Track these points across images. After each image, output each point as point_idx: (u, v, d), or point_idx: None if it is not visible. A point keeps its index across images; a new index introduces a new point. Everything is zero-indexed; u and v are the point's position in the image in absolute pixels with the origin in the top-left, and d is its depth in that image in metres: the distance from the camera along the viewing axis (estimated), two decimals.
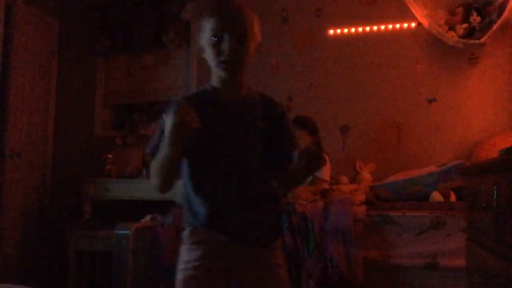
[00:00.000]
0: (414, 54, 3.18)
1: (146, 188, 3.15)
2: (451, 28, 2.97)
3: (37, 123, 3.60)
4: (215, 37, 1.18)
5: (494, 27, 2.80)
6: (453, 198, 2.52)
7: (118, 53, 3.83)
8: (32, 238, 3.43)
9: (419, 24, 3.10)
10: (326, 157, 2.89)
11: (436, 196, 2.51)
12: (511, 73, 2.98)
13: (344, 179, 3.07)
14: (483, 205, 1.46)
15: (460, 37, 2.94)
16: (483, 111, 3.02)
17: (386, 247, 2.38)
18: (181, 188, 1.26)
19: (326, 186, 2.85)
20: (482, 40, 2.85)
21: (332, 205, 2.41)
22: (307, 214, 2.37)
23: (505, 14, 2.77)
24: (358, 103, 3.27)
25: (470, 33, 2.93)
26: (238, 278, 1.18)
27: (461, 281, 2.09)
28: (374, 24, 3.26)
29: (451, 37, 2.95)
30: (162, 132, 1.13)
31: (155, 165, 1.17)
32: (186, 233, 1.23)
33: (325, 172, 2.88)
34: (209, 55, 1.21)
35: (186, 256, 1.19)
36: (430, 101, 3.13)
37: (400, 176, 2.75)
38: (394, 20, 3.22)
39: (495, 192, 1.31)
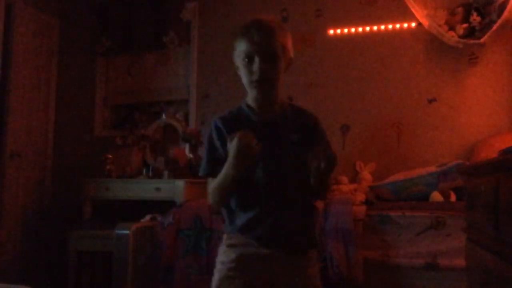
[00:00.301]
0: (414, 54, 3.18)
1: (146, 188, 3.15)
2: (451, 28, 2.97)
3: (37, 123, 3.60)
4: (246, 58, 1.23)
5: (494, 27, 2.80)
6: (453, 198, 2.51)
7: (118, 53, 3.83)
8: (32, 238, 3.43)
9: (419, 24, 3.10)
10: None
11: (436, 196, 2.51)
12: (511, 73, 2.98)
13: (344, 179, 3.07)
14: (483, 205, 1.46)
15: (460, 37, 2.93)
16: (483, 111, 3.02)
17: (386, 247, 2.38)
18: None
19: None
20: (482, 40, 2.85)
21: (332, 205, 2.41)
22: None
23: (505, 14, 2.77)
24: (358, 103, 3.27)
25: (470, 33, 2.93)
26: (271, 282, 1.22)
27: (461, 281, 2.08)
28: (374, 24, 3.26)
29: (451, 37, 2.95)
30: (211, 149, 1.26)
31: (215, 185, 1.23)
32: (224, 236, 1.30)
33: None
34: (242, 74, 1.28)
35: (222, 257, 1.26)
36: (430, 101, 3.13)
37: (400, 176, 2.75)
38: (394, 20, 3.22)
39: (495, 192, 1.31)
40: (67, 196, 3.60)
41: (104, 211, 3.38)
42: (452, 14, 3.00)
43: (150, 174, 3.28)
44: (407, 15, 3.11)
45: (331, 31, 3.36)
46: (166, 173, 3.19)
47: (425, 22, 3.01)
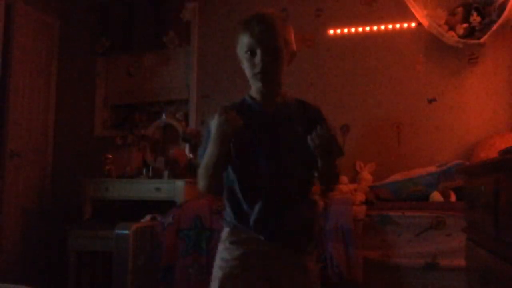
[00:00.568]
0: (414, 54, 3.18)
1: (146, 188, 3.16)
2: (451, 28, 2.97)
3: (37, 123, 3.60)
4: (249, 51, 1.25)
5: (494, 27, 2.80)
6: (453, 198, 2.52)
7: (118, 53, 3.83)
8: (32, 238, 3.43)
9: (419, 24, 3.10)
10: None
11: (436, 196, 2.51)
12: (511, 73, 2.98)
13: (344, 179, 3.07)
14: (483, 205, 1.46)
15: (460, 37, 2.93)
16: (483, 111, 3.02)
17: (386, 247, 2.38)
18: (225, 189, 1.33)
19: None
20: (482, 40, 2.85)
21: (332, 205, 2.41)
22: None
23: (505, 14, 2.77)
24: (358, 103, 3.27)
25: (470, 33, 2.93)
26: (273, 278, 1.24)
27: (461, 281, 2.09)
28: (374, 24, 3.26)
29: (451, 37, 2.95)
30: (208, 137, 1.24)
31: (201, 165, 1.25)
32: (226, 231, 1.29)
33: None
34: (245, 67, 1.29)
35: (224, 254, 1.25)
36: (430, 101, 3.13)
37: (400, 176, 2.75)
38: (394, 20, 3.22)
39: (495, 192, 1.31)
40: (67, 196, 3.60)
41: (104, 211, 3.38)
42: (452, 14, 3.00)
43: (150, 174, 3.28)
44: (407, 15, 3.11)
45: (331, 31, 3.36)
46: (166, 173, 3.19)
47: (425, 22, 3.01)
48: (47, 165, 3.70)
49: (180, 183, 3.03)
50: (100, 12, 3.85)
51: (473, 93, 3.05)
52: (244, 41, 1.26)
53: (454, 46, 2.98)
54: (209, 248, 2.43)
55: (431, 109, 3.12)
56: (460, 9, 2.98)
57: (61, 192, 3.68)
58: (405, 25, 3.20)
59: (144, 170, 3.33)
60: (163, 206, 2.90)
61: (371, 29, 3.27)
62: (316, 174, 1.30)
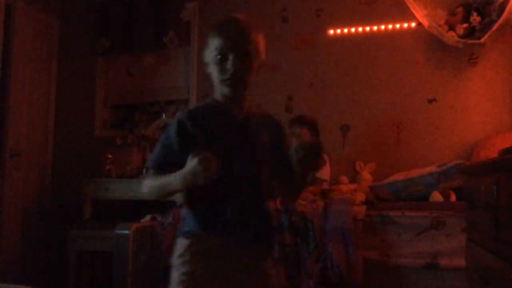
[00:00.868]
0: (414, 54, 3.18)
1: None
2: (451, 28, 2.97)
3: (37, 123, 3.60)
4: (219, 55, 1.21)
5: (494, 27, 2.80)
6: (453, 198, 2.51)
7: (118, 53, 3.83)
8: (32, 238, 3.43)
9: (419, 24, 3.10)
10: (326, 157, 2.90)
11: (436, 196, 2.51)
12: (511, 73, 2.98)
13: (344, 179, 3.07)
14: (483, 205, 1.46)
15: (460, 37, 2.93)
16: (483, 111, 3.02)
17: (386, 247, 2.38)
18: (184, 194, 1.27)
19: (326, 186, 2.86)
20: (482, 40, 2.85)
21: (332, 205, 2.41)
22: (307, 214, 2.37)
23: (505, 14, 2.77)
24: (358, 103, 3.27)
25: (470, 33, 2.92)
26: (236, 284, 1.22)
27: (461, 281, 2.09)
28: (374, 24, 3.26)
29: (451, 37, 2.95)
30: (165, 145, 1.22)
31: (157, 184, 1.21)
32: (184, 244, 1.22)
33: (325, 172, 2.88)
34: (213, 71, 1.26)
35: (186, 267, 1.19)
36: (430, 101, 3.13)
37: (400, 176, 2.75)
38: (394, 20, 3.22)
39: (495, 192, 1.31)
40: (67, 196, 3.60)
41: (104, 211, 3.38)
42: (452, 14, 3.00)
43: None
44: (407, 15, 3.11)
45: (331, 31, 3.36)
46: None
47: (425, 22, 3.01)
48: (47, 165, 3.71)
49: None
50: (100, 12, 3.85)
51: (473, 93, 3.05)
52: (215, 44, 1.22)
53: (454, 46, 2.98)
54: None
55: (431, 109, 3.12)
56: (460, 9, 2.98)
57: (61, 192, 3.68)
58: (405, 25, 3.20)
59: (144, 170, 3.33)
60: (163, 206, 2.90)
61: (371, 29, 3.27)
62: (278, 183, 1.34)
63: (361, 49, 3.28)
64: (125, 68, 3.86)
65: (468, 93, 3.06)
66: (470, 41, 2.90)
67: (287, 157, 1.20)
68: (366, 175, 3.05)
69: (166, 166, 1.20)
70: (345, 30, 3.33)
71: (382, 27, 3.24)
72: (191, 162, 1.08)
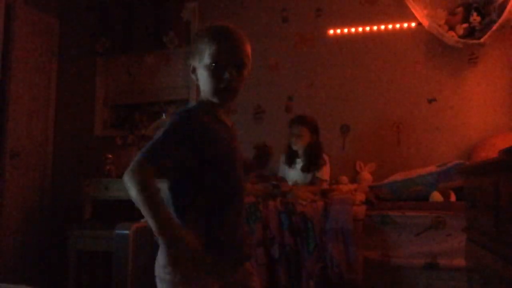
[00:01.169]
0: (414, 54, 3.19)
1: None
2: (451, 28, 2.97)
3: (37, 123, 3.60)
4: (214, 63, 1.17)
5: (494, 27, 2.80)
6: (453, 198, 2.52)
7: (118, 53, 3.83)
8: (32, 238, 3.43)
9: (419, 24, 3.10)
10: (326, 157, 2.90)
11: (436, 196, 2.51)
12: (511, 73, 2.98)
13: (344, 179, 3.07)
14: (483, 205, 1.46)
15: (460, 37, 2.94)
16: (483, 111, 3.02)
17: (386, 247, 2.38)
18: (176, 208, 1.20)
19: (326, 186, 2.86)
20: (482, 40, 2.85)
21: (332, 205, 2.41)
22: (307, 214, 2.37)
23: (505, 14, 2.77)
24: (358, 103, 3.27)
25: (470, 33, 2.93)
26: None
27: (461, 281, 2.09)
28: (374, 24, 3.26)
29: (451, 37, 2.95)
30: (165, 138, 1.13)
31: (146, 200, 1.11)
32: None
33: (325, 172, 2.88)
34: (204, 78, 1.20)
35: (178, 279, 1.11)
36: (430, 101, 3.13)
37: (400, 176, 2.75)
38: (394, 20, 3.22)
39: (495, 192, 1.31)
40: (67, 196, 3.60)
41: (104, 211, 3.38)
42: (452, 14, 3.00)
43: None
44: (407, 15, 3.11)
45: (331, 31, 3.36)
46: None
47: (425, 22, 3.01)
48: (47, 165, 3.70)
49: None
50: (100, 12, 3.85)
51: (473, 93, 3.05)
52: (209, 51, 1.17)
53: (454, 46, 2.98)
54: None
55: (431, 109, 3.12)
56: (460, 9, 2.98)
57: (61, 192, 3.68)
58: (405, 25, 3.20)
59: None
60: None
61: (371, 29, 3.27)
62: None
63: (361, 49, 3.28)
64: (125, 68, 3.86)
65: (468, 93, 3.06)
66: (470, 41, 2.91)
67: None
68: (366, 175, 3.06)
69: (162, 163, 1.13)
70: (345, 30, 3.33)
71: (382, 27, 3.24)
72: (187, 241, 1.04)
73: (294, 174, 2.93)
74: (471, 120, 3.04)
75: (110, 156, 3.40)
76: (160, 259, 1.17)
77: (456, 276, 2.19)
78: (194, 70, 1.24)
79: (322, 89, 3.35)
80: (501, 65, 3.00)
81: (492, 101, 3.01)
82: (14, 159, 3.29)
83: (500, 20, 2.78)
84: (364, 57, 3.28)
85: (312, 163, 2.86)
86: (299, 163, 2.92)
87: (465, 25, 2.93)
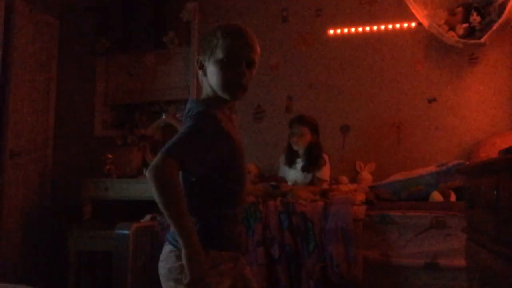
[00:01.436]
0: (414, 54, 3.19)
1: (146, 188, 3.15)
2: (451, 28, 2.97)
3: (37, 123, 3.60)
4: (228, 59, 1.18)
5: (494, 27, 2.80)
6: (453, 198, 2.52)
7: (118, 53, 3.83)
8: (32, 238, 3.43)
9: (419, 24, 3.10)
10: (326, 157, 2.90)
11: (436, 196, 2.51)
12: (511, 73, 2.98)
13: (344, 179, 3.07)
14: (483, 205, 1.46)
15: (460, 37, 2.94)
16: (483, 111, 3.02)
17: (386, 247, 2.38)
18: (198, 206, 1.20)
19: (326, 186, 2.86)
20: (482, 40, 2.85)
21: (332, 205, 2.41)
22: (307, 214, 2.37)
23: (505, 14, 2.77)
24: (358, 103, 3.27)
25: (470, 33, 2.93)
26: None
27: (461, 281, 2.09)
28: (374, 24, 3.26)
29: (451, 37, 2.95)
30: (189, 136, 1.12)
31: (171, 195, 1.07)
32: (179, 253, 1.12)
33: (325, 172, 2.88)
34: (214, 73, 1.20)
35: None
36: (430, 101, 3.13)
37: (400, 176, 2.75)
38: (394, 20, 3.22)
39: (495, 192, 1.31)
40: (67, 196, 3.59)
41: (104, 211, 3.38)
42: (452, 14, 3.00)
43: None
44: (407, 15, 3.11)
45: (331, 31, 3.36)
46: None
47: (425, 22, 3.01)
48: (47, 165, 3.70)
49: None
50: (100, 12, 3.85)
51: (473, 93, 3.05)
52: (223, 47, 1.18)
53: (454, 46, 2.98)
54: None
55: (431, 109, 3.12)
56: (460, 9, 2.98)
57: (61, 192, 3.68)
58: (405, 25, 3.20)
59: (144, 170, 3.33)
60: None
61: (371, 29, 3.27)
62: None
63: (361, 49, 3.28)
64: (125, 68, 3.86)
65: (468, 93, 3.06)
66: (470, 41, 2.91)
67: None
68: (366, 175, 3.05)
69: (184, 158, 1.10)
70: (345, 30, 3.33)
71: (382, 27, 3.24)
72: (199, 257, 1.07)
73: (294, 174, 2.93)
74: (471, 120, 3.04)
75: (110, 156, 3.40)
76: (166, 259, 1.23)
77: (456, 276, 2.19)
78: (202, 66, 1.25)
79: (322, 89, 3.35)
80: (501, 65, 3.00)
81: (492, 101, 3.01)
82: (14, 159, 3.28)
83: (500, 20, 2.78)
84: (364, 57, 3.28)
85: (312, 163, 2.86)
86: (299, 163, 2.92)
87: (465, 25, 2.93)
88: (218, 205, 1.19)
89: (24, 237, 3.37)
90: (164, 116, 3.65)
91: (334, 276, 2.24)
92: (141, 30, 3.73)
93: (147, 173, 1.08)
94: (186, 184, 1.18)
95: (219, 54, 1.19)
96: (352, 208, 2.38)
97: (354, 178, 3.11)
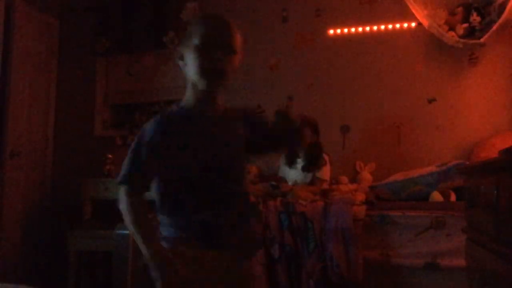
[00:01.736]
0: (414, 54, 3.18)
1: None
2: (451, 28, 2.97)
3: (37, 123, 3.60)
4: (203, 44, 1.18)
5: (494, 27, 2.80)
6: (453, 198, 2.52)
7: (118, 53, 3.82)
8: (32, 238, 3.43)
9: (419, 24, 3.10)
10: (326, 157, 2.90)
11: (436, 196, 2.51)
12: (511, 73, 2.98)
13: (344, 179, 3.07)
14: (483, 205, 1.46)
15: (460, 37, 2.94)
16: (483, 111, 3.02)
17: (386, 247, 2.38)
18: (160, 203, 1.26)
19: (326, 186, 2.86)
20: (482, 40, 2.85)
21: (332, 205, 2.41)
22: (307, 214, 2.37)
23: (505, 14, 2.77)
24: (358, 103, 3.27)
25: (470, 33, 2.93)
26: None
27: (461, 281, 2.08)
28: (374, 24, 3.26)
29: (451, 37, 2.95)
30: (139, 155, 1.17)
31: (133, 217, 1.18)
32: (178, 250, 1.18)
33: (325, 172, 2.88)
34: (191, 60, 1.21)
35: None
36: (430, 101, 3.13)
37: (400, 176, 2.75)
38: (394, 20, 3.22)
39: (495, 192, 1.31)
40: (67, 196, 3.59)
41: (104, 211, 3.38)
42: (452, 14, 3.00)
43: None
44: (407, 15, 3.11)
45: (331, 31, 3.36)
46: None
47: (425, 22, 3.01)
48: (47, 165, 3.70)
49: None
50: (100, 12, 3.85)
51: (473, 93, 3.05)
52: (198, 34, 1.19)
53: (454, 46, 2.98)
54: None
55: (431, 109, 3.12)
56: (460, 9, 2.98)
57: (61, 192, 3.68)
58: (405, 25, 3.20)
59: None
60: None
61: (371, 29, 3.27)
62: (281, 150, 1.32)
63: (361, 49, 3.28)
64: (125, 68, 3.86)
65: (468, 93, 3.06)
66: (470, 41, 2.91)
67: (271, 129, 1.28)
68: (366, 175, 3.05)
69: (140, 179, 1.19)
70: (345, 30, 3.33)
71: (382, 27, 3.24)
72: (157, 264, 1.12)
73: (294, 174, 2.93)
74: (471, 120, 3.04)
75: (110, 156, 3.40)
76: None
77: (456, 276, 2.19)
78: (182, 56, 1.26)
79: (322, 89, 3.35)
80: (501, 65, 3.00)
81: (492, 101, 3.01)
82: (14, 159, 3.28)
83: (500, 20, 2.78)
84: (364, 57, 3.28)
85: (312, 163, 2.86)
86: (299, 163, 2.92)
87: (465, 25, 2.93)
88: (188, 208, 1.20)
89: (24, 237, 3.37)
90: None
91: (334, 276, 2.24)
92: (141, 30, 3.72)
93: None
94: (157, 188, 1.23)
95: (195, 41, 1.19)
96: (352, 208, 2.38)
97: (354, 178, 3.11)
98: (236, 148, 1.27)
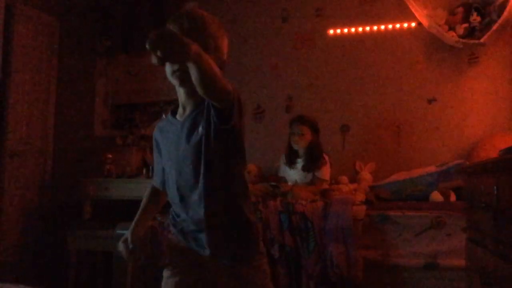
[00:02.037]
0: (414, 54, 3.19)
1: (146, 188, 3.15)
2: (451, 28, 2.97)
3: (37, 123, 3.60)
4: None
5: (494, 27, 2.80)
6: (453, 198, 2.52)
7: (119, 53, 3.83)
8: (32, 238, 3.43)
9: (419, 24, 3.10)
10: (326, 157, 2.90)
11: (436, 196, 2.51)
12: (511, 73, 2.98)
13: (344, 179, 3.07)
14: (483, 205, 1.46)
15: (460, 37, 2.94)
16: (483, 111, 3.02)
17: (386, 247, 2.38)
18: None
19: (326, 186, 2.86)
20: (482, 40, 2.85)
21: (332, 205, 2.41)
22: (307, 214, 2.37)
23: (505, 14, 2.77)
24: (358, 103, 3.27)
25: (470, 33, 2.93)
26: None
27: (461, 281, 2.09)
28: (374, 24, 3.26)
29: (451, 37, 2.95)
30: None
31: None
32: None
33: (325, 172, 2.88)
34: (166, 66, 1.15)
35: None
36: (430, 101, 3.13)
37: (400, 176, 2.75)
38: (394, 20, 3.22)
39: (495, 192, 1.31)
40: (67, 196, 3.59)
41: (104, 211, 3.38)
42: (452, 14, 3.00)
43: (150, 174, 3.28)
44: (407, 15, 3.11)
45: (331, 31, 3.36)
46: None
47: (425, 22, 3.01)
48: (47, 165, 3.70)
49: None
50: (101, 12, 3.85)
51: (473, 93, 3.05)
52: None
53: (454, 46, 2.98)
54: None
55: (431, 109, 3.12)
56: (460, 9, 2.98)
57: (61, 192, 3.68)
58: (405, 25, 3.20)
59: (144, 170, 3.32)
60: (163, 206, 2.90)
61: (371, 29, 3.27)
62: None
63: (361, 49, 3.28)
64: (125, 68, 3.86)
65: (468, 93, 3.06)
66: (470, 41, 2.91)
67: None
68: (366, 175, 3.05)
69: (153, 175, 1.43)
70: (345, 30, 3.33)
71: (382, 27, 3.24)
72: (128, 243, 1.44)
73: (294, 174, 2.93)
74: (471, 120, 3.04)
75: (110, 156, 3.40)
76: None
77: (456, 276, 2.19)
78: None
79: (322, 89, 3.35)
80: (501, 65, 3.00)
81: (492, 101, 3.01)
82: (14, 159, 3.28)
83: (500, 20, 2.78)
84: (364, 57, 3.28)
85: (312, 163, 2.86)
86: (300, 163, 2.92)
87: (465, 25, 2.93)
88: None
89: (24, 237, 3.37)
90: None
91: (334, 276, 2.24)
92: (141, 30, 3.73)
93: None
94: None
95: None
96: (352, 208, 2.38)
97: (354, 178, 3.11)
98: (191, 148, 1.16)
